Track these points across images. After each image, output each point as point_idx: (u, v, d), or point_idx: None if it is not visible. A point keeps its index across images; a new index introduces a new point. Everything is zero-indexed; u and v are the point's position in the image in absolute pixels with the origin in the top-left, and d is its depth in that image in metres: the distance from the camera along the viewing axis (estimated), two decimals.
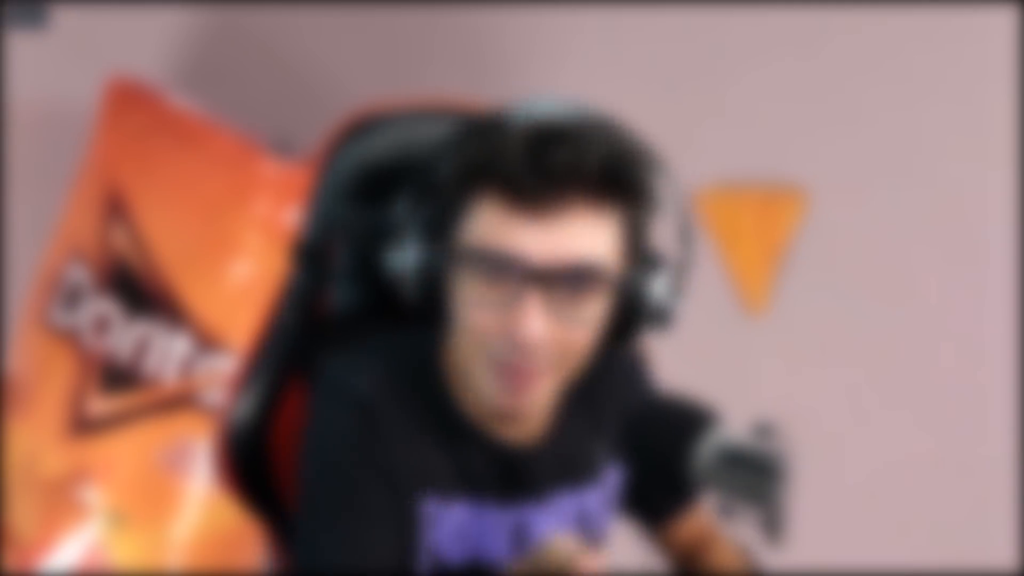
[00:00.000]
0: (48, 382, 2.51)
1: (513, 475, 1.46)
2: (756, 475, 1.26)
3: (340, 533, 1.39)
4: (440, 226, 1.37)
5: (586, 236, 1.33)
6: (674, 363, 1.71)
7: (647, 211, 1.38)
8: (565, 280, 1.32)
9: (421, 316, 1.43)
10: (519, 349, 1.34)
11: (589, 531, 1.54)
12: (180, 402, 2.45)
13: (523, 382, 1.36)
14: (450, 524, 1.43)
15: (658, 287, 1.39)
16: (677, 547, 1.66)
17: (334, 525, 1.39)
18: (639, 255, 1.39)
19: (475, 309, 1.35)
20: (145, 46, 2.81)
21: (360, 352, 1.48)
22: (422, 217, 1.39)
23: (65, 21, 2.80)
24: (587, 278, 1.33)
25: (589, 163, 1.32)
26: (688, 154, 1.60)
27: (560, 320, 1.34)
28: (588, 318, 1.35)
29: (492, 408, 1.41)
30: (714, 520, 1.66)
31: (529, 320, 1.32)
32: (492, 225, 1.33)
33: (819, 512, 2.12)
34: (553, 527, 1.50)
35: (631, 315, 1.39)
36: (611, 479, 1.56)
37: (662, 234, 1.41)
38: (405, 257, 1.40)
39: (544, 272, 1.32)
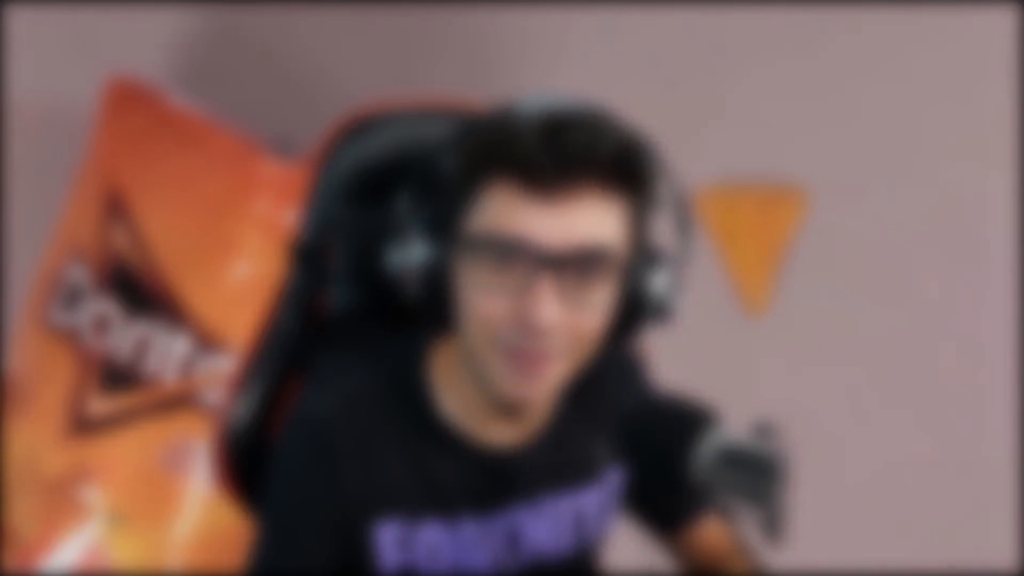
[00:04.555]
0: (48, 382, 2.51)
1: (500, 481, 1.46)
2: (756, 475, 1.26)
3: (273, 566, 1.43)
4: (445, 220, 1.37)
5: (596, 221, 1.33)
6: (674, 363, 1.71)
7: (650, 202, 1.38)
8: (576, 264, 1.32)
9: (419, 317, 1.43)
10: (532, 335, 1.33)
11: (586, 533, 1.54)
12: (180, 402, 2.45)
13: (536, 368, 1.35)
14: (425, 543, 1.43)
15: (660, 280, 1.39)
16: (695, 558, 1.64)
17: (269, 557, 1.43)
18: (642, 247, 1.39)
19: (485, 297, 1.34)
20: (145, 46, 2.81)
21: (344, 363, 1.48)
22: (425, 213, 1.38)
23: (65, 21, 2.80)
24: (597, 261, 1.33)
25: (603, 148, 1.32)
26: (688, 154, 1.60)
27: (571, 305, 1.33)
28: (597, 303, 1.35)
29: (503, 399, 1.39)
30: (734, 533, 1.64)
31: (543, 304, 1.32)
32: (502, 211, 1.32)
33: (819, 512, 2.12)
34: (548, 530, 1.50)
35: (634, 309, 1.39)
36: (612, 479, 1.55)
37: (661, 230, 1.41)
38: (409, 253, 1.39)
39: (556, 256, 1.32)
